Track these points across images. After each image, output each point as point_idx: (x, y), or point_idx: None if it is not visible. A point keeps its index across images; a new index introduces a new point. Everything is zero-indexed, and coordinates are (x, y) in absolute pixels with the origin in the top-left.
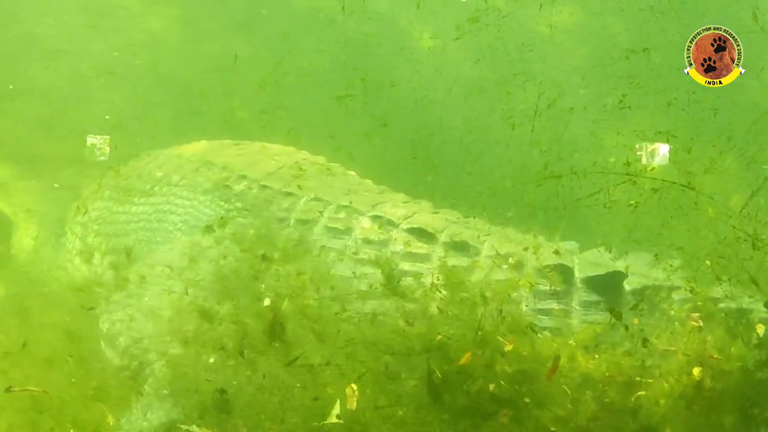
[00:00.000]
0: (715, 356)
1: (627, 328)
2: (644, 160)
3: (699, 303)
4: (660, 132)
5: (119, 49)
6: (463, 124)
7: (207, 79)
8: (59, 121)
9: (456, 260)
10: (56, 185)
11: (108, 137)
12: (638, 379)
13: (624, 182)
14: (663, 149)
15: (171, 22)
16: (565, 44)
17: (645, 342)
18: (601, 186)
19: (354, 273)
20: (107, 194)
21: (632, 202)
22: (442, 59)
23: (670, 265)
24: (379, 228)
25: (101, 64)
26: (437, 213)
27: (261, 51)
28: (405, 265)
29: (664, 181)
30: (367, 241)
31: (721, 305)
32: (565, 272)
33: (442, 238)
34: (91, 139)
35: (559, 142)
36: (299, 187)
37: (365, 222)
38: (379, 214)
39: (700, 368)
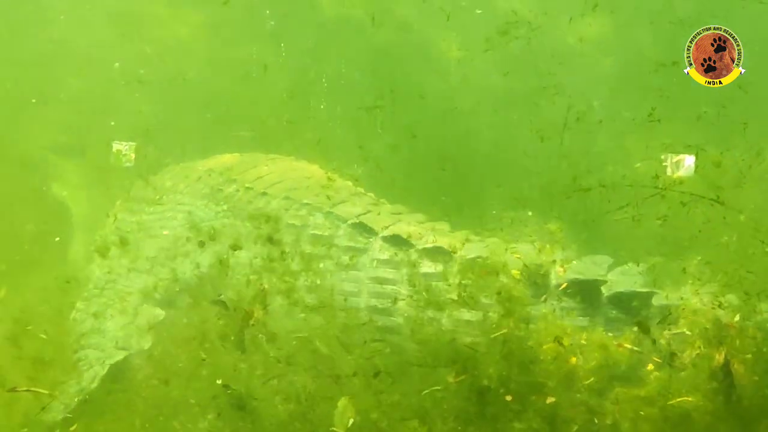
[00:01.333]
0: (742, 370)
1: (654, 342)
2: (669, 171)
3: (725, 317)
4: (689, 145)
5: (147, 57)
6: (492, 136)
7: (235, 88)
8: (88, 127)
9: (386, 255)
10: (82, 192)
11: (134, 144)
12: (667, 392)
13: (653, 196)
14: (688, 160)
15: (199, 30)
16: (595, 57)
17: (672, 357)
18: (629, 199)
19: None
20: (125, 206)
21: (661, 215)
22: (471, 71)
23: (698, 280)
24: (330, 224)
25: (129, 71)
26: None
27: (289, 61)
28: (345, 258)
29: (692, 194)
30: (316, 237)
31: (749, 320)
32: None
33: (382, 233)
34: (116, 146)
35: (587, 154)
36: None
37: (319, 218)
38: (332, 211)
39: (730, 384)
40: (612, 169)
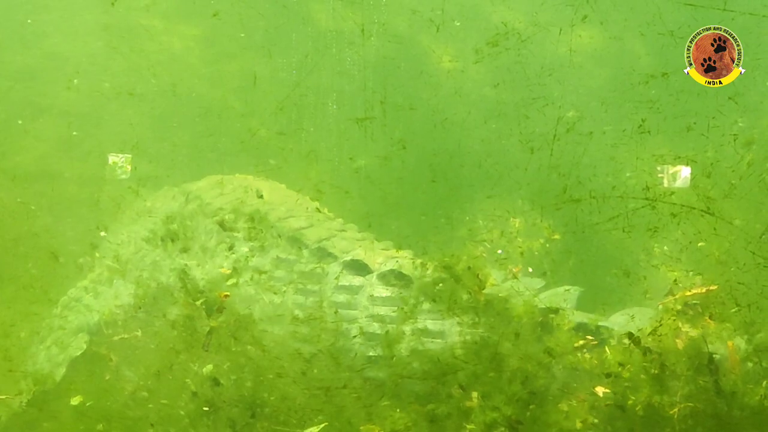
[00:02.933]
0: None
1: (645, 353)
2: (666, 183)
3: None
4: (679, 157)
5: (140, 70)
6: (482, 148)
7: (226, 100)
8: (80, 140)
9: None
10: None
11: (129, 156)
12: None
13: (643, 207)
14: (684, 172)
15: (191, 42)
16: (585, 68)
17: (663, 368)
18: (620, 210)
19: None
20: (110, 228)
21: (651, 227)
22: (462, 82)
23: (689, 291)
24: (262, 231)
25: (121, 84)
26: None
27: (280, 72)
28: (266, 264)
29: (683, 206)
30: (253, 247)
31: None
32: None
33: (312, 245)
34: (112, 158)
35: (578, 166)
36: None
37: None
38: (275, 225)
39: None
40: (602, 180)
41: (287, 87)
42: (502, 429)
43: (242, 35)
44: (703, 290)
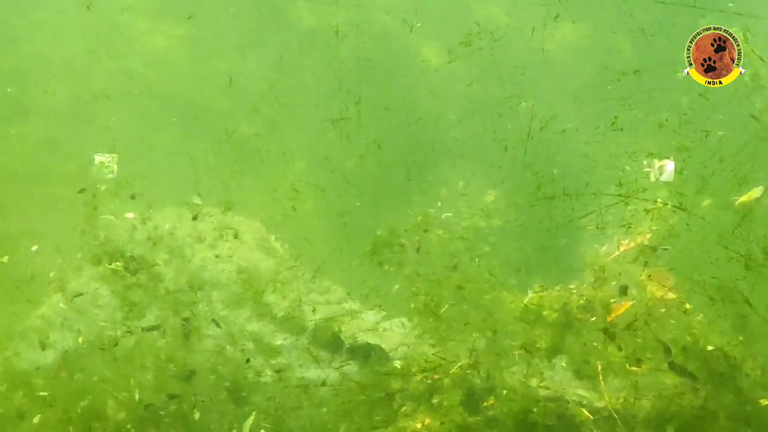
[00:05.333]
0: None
1: (620, 349)
2: (653, 177)
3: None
4: (651, 153)
5: (122, 70)
6: (457, 146)
7: (202, 101)
8: (63, 141)
9: None
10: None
11: (116, 155)
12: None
13: (616, 203)
14: (670, 166)
15: (167, 43)
16: (558, 67)
17: (638, 362)
18: (593, 207)
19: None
20: (86, 232)
21: (625, 223)
22: (436, 82)
23: (663, 286)
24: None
25: (103, 84)
26: None
27: (255, 73)
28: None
29: (656, 202)
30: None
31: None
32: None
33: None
34: (98, 158)
35: (551, 164)
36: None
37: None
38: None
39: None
40: (575, 177)
41: (263, 88)
42: None
43: (217, 37)
44: (632, 245)
